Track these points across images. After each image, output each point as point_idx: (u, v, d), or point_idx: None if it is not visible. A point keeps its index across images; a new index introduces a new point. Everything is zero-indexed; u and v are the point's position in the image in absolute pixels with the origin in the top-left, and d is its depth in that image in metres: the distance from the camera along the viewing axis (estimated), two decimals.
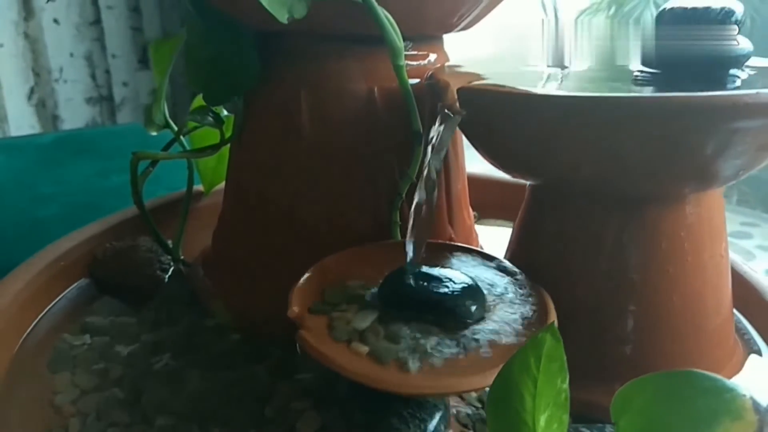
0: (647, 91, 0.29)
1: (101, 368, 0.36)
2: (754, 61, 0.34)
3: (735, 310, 0.40)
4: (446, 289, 0.31)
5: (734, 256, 0.42)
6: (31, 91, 1.71)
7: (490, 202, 0.56)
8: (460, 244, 0.38)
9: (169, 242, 0.48)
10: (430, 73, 0.35)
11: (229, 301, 0.41)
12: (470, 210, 0.47)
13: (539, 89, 0.28)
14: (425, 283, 0.32)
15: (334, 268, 0.35)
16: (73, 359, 0.36)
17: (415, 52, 0.38)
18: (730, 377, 0.34)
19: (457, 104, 0.29)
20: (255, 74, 0.38)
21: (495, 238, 0.49)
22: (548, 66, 0.35)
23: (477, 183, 0.51)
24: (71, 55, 1.73)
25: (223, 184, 0.47)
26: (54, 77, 1.71)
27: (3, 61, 1.63)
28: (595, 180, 0.29)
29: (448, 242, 0.39)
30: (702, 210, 0.32)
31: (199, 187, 0.54)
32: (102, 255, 0.44)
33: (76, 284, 0.44)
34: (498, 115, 0.29)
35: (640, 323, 0.32)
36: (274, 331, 0.35)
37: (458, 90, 0.29)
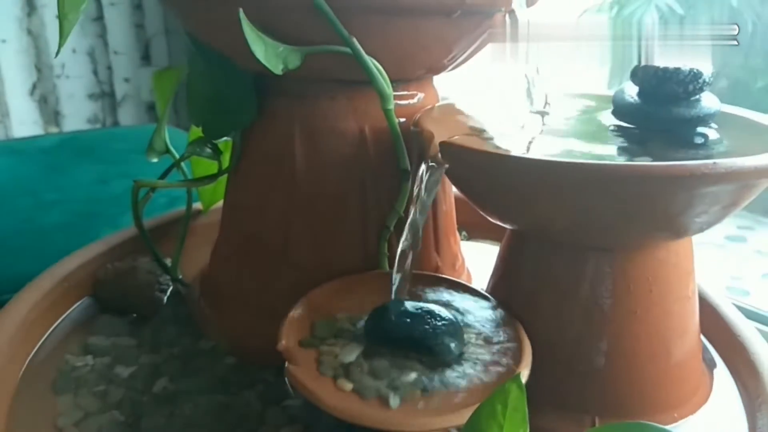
0: (619, 150, 0.31)
1: (102, 390, 0.38)
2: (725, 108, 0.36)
3: (707, 343, 0.42)
4: (427, 326, 0.33)
5: (707, 289, 0.44)
6: (34, 86, 1.73)
7: (478, 222, 0.58)
8: (444, 276, 0.40)
9: (169, 260, 0.50)
10: (417, 117, 0.37)
11: (224, 324, 0.43)
12: (457, 235, 0.49)
13: (514, 150, 0.30)
14: (407, 320, 0.34)
15: (324, 300, 0.37)
16: (76, 381, 0.38)
17: (404, 92, 0.40)
18: (694, 410, 0.36)
19: (440, 156, 0.31)
20: (252, 113, 0.40)
21: (483, 259, 0.51)
22: (530, 111, 0.37)
23: (466, 203, 0.52)
24: (73, 51, 1.74)
25: (221, 203, 0.49)
26: (56, 73, 1.73)
27: (6, 56, 1.64)
28: (566, 231, 0.31)
29: (432, 274, 0.40)
30: (670, 255, 0.34)
31: (198, 204, 0.56)
32: (103, 276, 0.46)
33: (79, 303, 0.46)
34: (475, 172, 0.31)
35: (608, 359, 0.34)
36: (266, 357, 0.37)
37: (440, 144, 0.31)
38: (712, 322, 0.41)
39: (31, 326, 0.41)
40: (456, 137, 0.31)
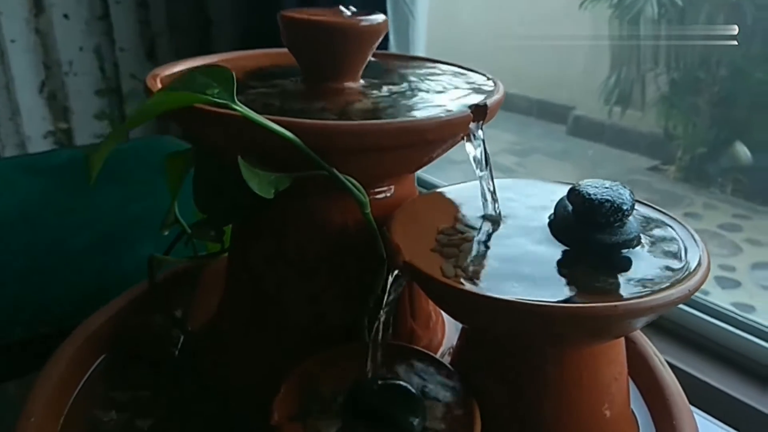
0: (552, 273, 0.37)
1: None
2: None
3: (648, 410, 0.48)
4: (393, 403, 0.40)
5: (650, 350, 0.51)
6: (42, 84, 1.78)
7: None
8: (414, 348, 0.46)
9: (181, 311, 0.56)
10: (390, 218, 0.43)
11: (226, 376, 0.50)
12: None
13: (456, 272, 0.37)
14: (378, 397, 0.40)
15: (313, 372, 0.43)
16: None
17: (379, 188, 0.46)
18: None
19: (402, 272, 0.38)
20: (248, 205, 0.46)
21: None
22: (483, 216, 0.43)
23: None
24: (80, 48, 1.79)
25: None
26: (64, 70, 1.78)
27: (15, 55, 1.70)
28: (503, 337, 0.38)
29: (404, 345, 0.47)
30: (601, 347, 0.40)
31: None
32: (122, 331, 0.53)
33: (102, 358, 0.52)
34: (426, 288, 0.38)
35: (547, 429, 0.41)
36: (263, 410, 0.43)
37: (402, 262, 0.37)
38: (650, 385, 0.48)
39: (65, 385, 0.48)
40: (415, 256, 0.38)
